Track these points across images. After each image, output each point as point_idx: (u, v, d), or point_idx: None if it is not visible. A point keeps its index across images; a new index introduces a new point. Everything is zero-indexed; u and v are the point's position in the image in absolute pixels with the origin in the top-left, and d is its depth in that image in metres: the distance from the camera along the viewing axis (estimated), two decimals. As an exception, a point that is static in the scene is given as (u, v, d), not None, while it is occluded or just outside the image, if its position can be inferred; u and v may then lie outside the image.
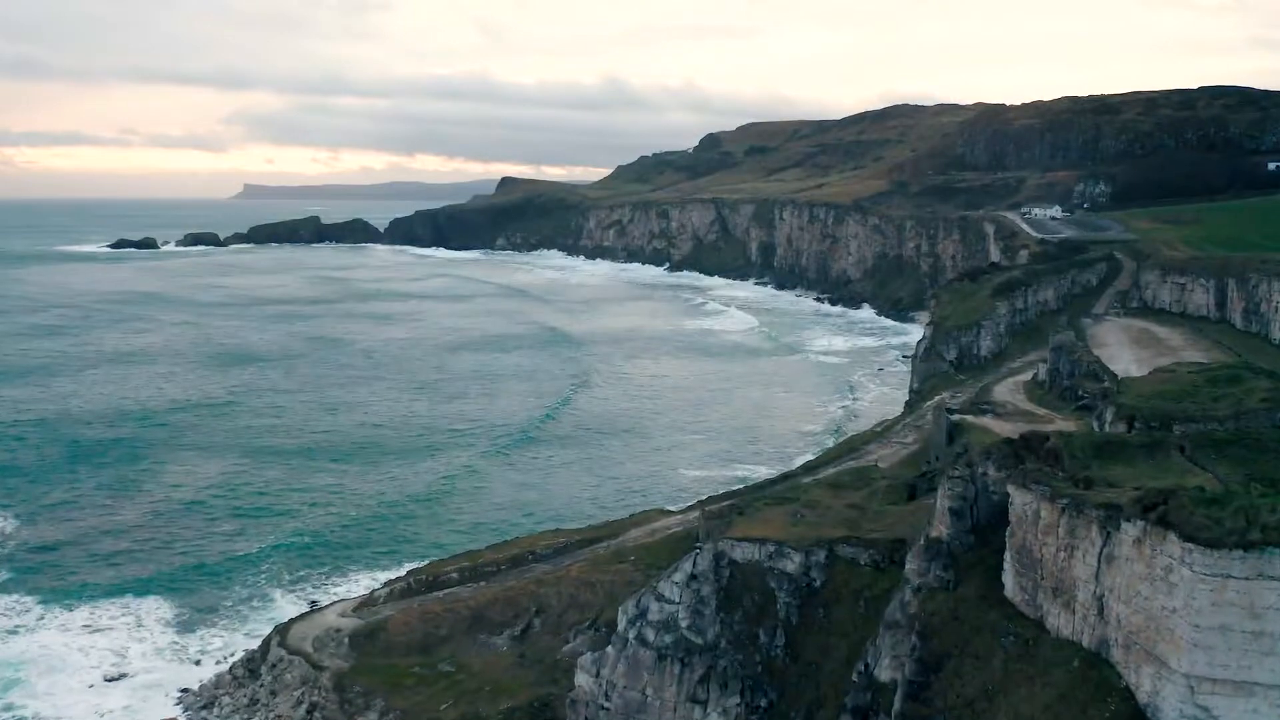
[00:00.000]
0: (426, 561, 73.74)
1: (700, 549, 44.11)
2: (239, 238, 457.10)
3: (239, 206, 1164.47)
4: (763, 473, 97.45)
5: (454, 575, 61.08)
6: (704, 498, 71.27)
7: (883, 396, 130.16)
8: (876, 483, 51.45)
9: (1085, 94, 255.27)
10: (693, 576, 42.41)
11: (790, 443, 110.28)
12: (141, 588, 74.97)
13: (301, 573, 76.85)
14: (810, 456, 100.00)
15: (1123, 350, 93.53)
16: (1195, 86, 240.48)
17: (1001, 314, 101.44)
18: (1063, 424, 57.89)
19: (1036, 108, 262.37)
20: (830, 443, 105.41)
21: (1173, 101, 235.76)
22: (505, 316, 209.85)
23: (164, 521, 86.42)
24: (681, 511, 67.56)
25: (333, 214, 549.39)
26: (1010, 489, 33.69)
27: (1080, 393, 64.17)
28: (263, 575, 76.84)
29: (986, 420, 57.27)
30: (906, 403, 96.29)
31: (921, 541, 36.18)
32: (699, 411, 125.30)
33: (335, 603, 62.36)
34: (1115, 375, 67.56)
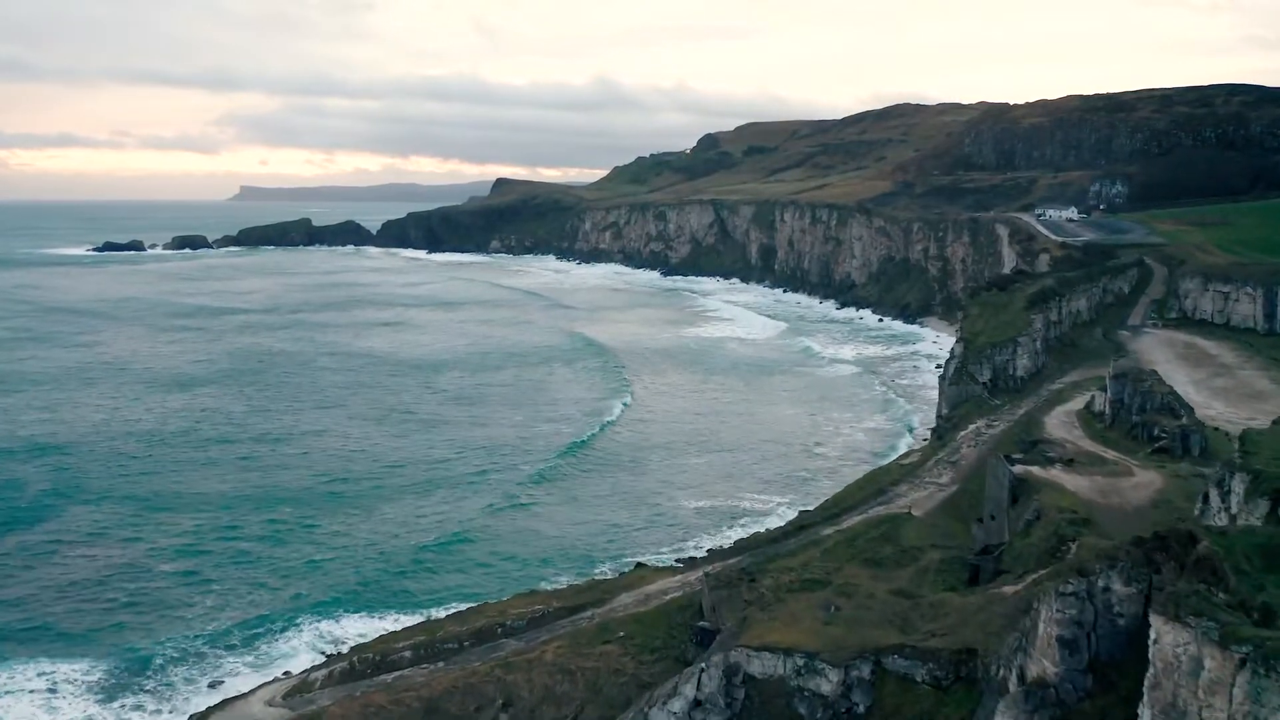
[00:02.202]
0: (378, 620, 64.44)
1: (706, 665, 33.51)
2: (228, 240, 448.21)
3: (234, 208, 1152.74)
4: (774, 504, 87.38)
5: (406, 654, 50.66)
6: (705, 553, 60.95)
7: (902, 414, 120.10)
8: (925, 555, 41.03)
9: (1090, 93, 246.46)
10: (696, 703, 31.96)
11: (803, 466, 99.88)
12: (59, 648, 65.00)
13: (241, 634, 66.50)
14: (827, 483, 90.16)
15: (1174, 370, 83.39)
16: (1208, 84, 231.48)
17: (1038, 328, 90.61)
18: (1143, 473, 47.74)
19: (1044, 106, 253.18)
20: (847, 469, 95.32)
21: (1188, 99, 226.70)
22: (497, 327, 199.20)
23: (90, 569, 75.73)
24: (680, 570, 57.12)
25: (329, 216, 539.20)
26: (1154, 620, 23.33)
27: (1156, 431, 53.74)
28: (199, 635, 66.59)
29: (1056, 473, 46.42)
30: (934, 430, 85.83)
31: (1016, 682, 25.74)
32: (700, 431, 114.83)
33: (262, 686, 51.91)
34: (1192, 409, 57.26)
